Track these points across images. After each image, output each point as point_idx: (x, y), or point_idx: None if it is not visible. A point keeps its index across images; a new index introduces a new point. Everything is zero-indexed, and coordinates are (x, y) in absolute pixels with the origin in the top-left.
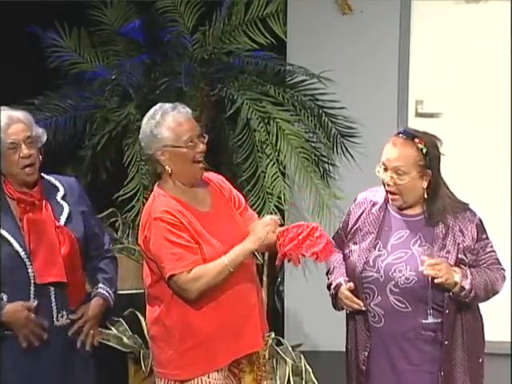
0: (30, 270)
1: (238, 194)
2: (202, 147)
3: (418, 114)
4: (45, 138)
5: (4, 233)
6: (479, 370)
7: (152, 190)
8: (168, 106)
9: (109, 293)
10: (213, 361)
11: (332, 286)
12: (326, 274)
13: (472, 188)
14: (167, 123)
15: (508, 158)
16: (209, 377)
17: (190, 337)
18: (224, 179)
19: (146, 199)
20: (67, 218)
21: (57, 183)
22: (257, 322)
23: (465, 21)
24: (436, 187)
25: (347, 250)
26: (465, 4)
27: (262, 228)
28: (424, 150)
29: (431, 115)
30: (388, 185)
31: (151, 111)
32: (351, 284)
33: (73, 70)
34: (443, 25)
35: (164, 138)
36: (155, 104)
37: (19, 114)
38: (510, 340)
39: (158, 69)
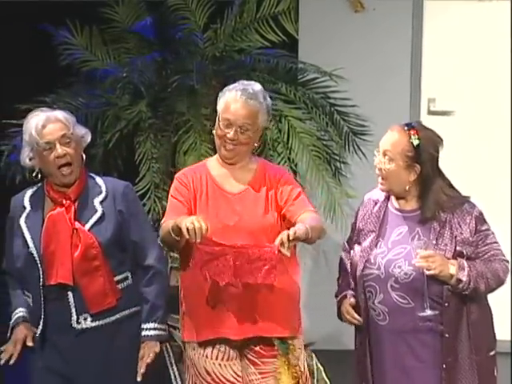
0: (40, 272)
1: (291, 191)
2: (231, 135)
3: (431, 112)
4: (89, 138)
5: (25, 233)
6: (489, 364)
7: (163, 188)
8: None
9: (156, 328)
10: (197, 332)
11: (337, 299)
12: (337, 280)
13: (484, 185)
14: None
15: None
16: (213, 349)
17: (184, 302)
18: (285, 176)
19: (158, 197)
20: (96, 222)
21: (102, 186)
22: (237, 312)
23: (477, 19)
24: (427, 183)
25: (352, 252)
26: (477, 2)
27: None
28: (415, 143)
29: (443, 113)
30: (377, 167)
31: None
32: (353, 300)
33: (84, 67)
34: (455, 23)
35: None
36: (166, 102)
37: (58, 113)
38: (509, 339)
39: (169, 67)
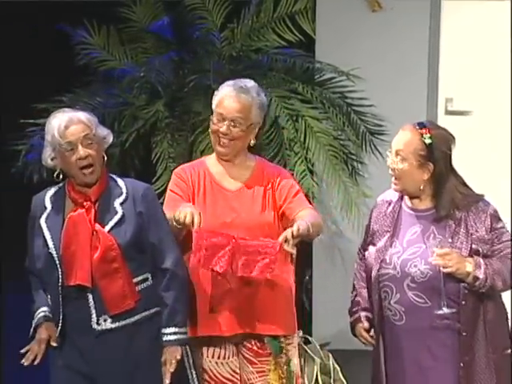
0: (59, 272)
1: (290, 189)
2: (224, 129)
3: (448, 112)
4: (111, 139)
5: (46, 233)
6: (506, 362)
7: None
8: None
9: (176, 333)
10: (194, 327)
11: (350, 319)
12: (351, 292)
13: (503, 184)
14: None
15: None
16: (208, 348)
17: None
18: (283, 174)
19: None
20: (116, 224)
21: (123, 187)
22: (231, 309)
23: (495, 18)
24: (441, 181)
25: (366, 253)
26: (495, 1)
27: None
28: (427, 142)
29: (461, 113)
30: (390, 168)
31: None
32: (367, 325)
33: (102, 67)
34: (473, 22)
35: None
36: (183, 101)
37: (80, 114)
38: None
39: (186, 66)
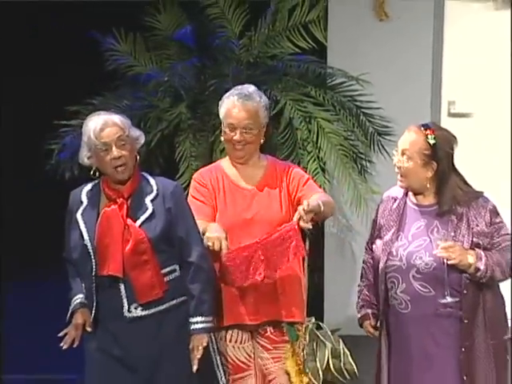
0: (93, 263)
1: (300, 179)
2: (237, 137)
3: (451, 114)
4: (142, 140)
5: (81, 226)
6: (503, 348)
7: None
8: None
9: (203, 321)
10: (220, 317)
11: (359, 315)
12: (359, 285)
13: (504, 185)
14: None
15: None
16: (227, 333)
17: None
18: (293, 168)
19: None
20: (147, 219)
21: (153, 185)
22: (253, 298)
23: (495, 24)
24: (443, 179)
25: (374, 246)
26: (494, 10)
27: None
28: (431, 142)
29: (463, 115)
30: (396, 166)
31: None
32: (373, 322)
33: (129, 72)
34: (474, 29)
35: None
36: (204, 104)
37: (115, 117)
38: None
39: (207, 71)
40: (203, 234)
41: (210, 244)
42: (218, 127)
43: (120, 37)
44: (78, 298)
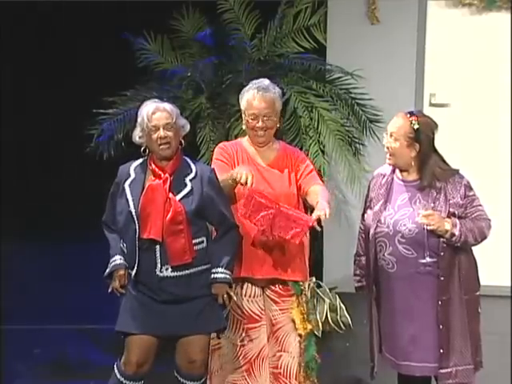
0: (136, 227)
1: (306, 167)
2: (260, 124)
3: (432, 105)
4: (188, 128)
5: (128, 195)
6: (475, 302)
7: None
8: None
9: (224, 272)
10: (237, 271)
11: (356, 284)
12: (355, 254)
13: (478, 170)
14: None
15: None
16: (242, 287)
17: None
18: (301, 155)
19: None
20: (185, 195)
21: (192, 167)
22: (263, 256)
23: (471, 27)
24: (425, 158)
25: (365, 216)
26: (475, 14)
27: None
28: (415, 126)
29: (442, 105)
30: (385, 146)
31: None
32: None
33: (157, 68)
34: (453, 32)
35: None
36: (222, 96)
37: (166, 105)
38: (510, 284)
39: (224, 67)
40: (230, 176)
41: (238, 176)
42: (233, 115)
43: (150, 38)
44: (118, 258)
